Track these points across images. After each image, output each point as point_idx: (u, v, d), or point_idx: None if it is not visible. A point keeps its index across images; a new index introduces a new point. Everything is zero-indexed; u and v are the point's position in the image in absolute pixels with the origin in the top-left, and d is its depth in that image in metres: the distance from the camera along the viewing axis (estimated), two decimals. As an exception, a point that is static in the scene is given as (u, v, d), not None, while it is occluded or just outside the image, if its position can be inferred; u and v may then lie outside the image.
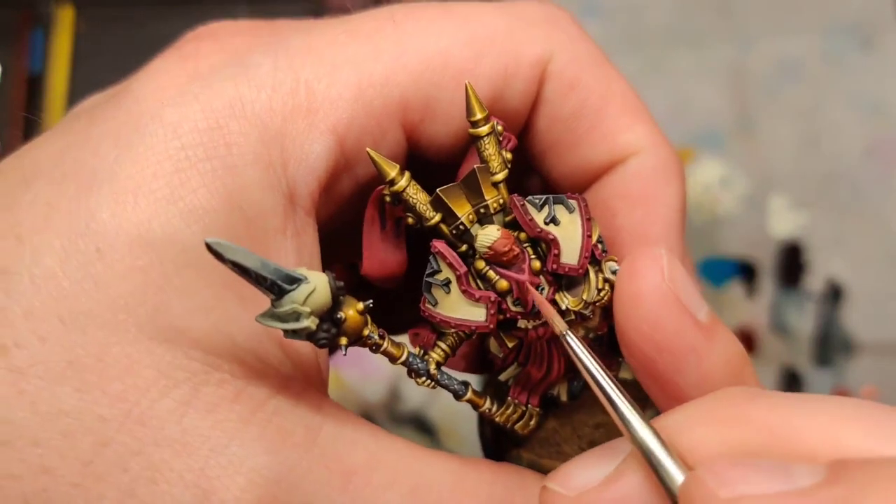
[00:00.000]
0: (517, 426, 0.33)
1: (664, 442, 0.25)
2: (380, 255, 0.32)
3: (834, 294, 0.67)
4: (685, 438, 0.25)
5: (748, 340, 0.66)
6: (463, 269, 0.29)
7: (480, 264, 0.29)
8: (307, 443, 0.29)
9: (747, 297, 0.67)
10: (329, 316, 0.28)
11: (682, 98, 0.71)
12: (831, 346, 0.66)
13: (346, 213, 0.33)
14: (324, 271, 0.27)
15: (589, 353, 0.27)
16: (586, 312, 0.30)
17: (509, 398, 0.33)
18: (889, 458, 0.22)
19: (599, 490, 0.26)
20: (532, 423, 0.33)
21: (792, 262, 0.68)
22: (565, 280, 0.30)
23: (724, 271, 0.68)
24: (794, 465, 0.23)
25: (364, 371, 0.65)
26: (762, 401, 0.26)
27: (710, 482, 0.23)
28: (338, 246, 0.33)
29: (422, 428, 0.65)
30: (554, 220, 0.29)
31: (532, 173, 0.37)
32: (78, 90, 0.70)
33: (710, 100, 0.71)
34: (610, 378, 0.27)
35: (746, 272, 0.68)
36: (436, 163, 0.34)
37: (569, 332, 0.28)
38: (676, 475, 0.24)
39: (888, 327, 0.66)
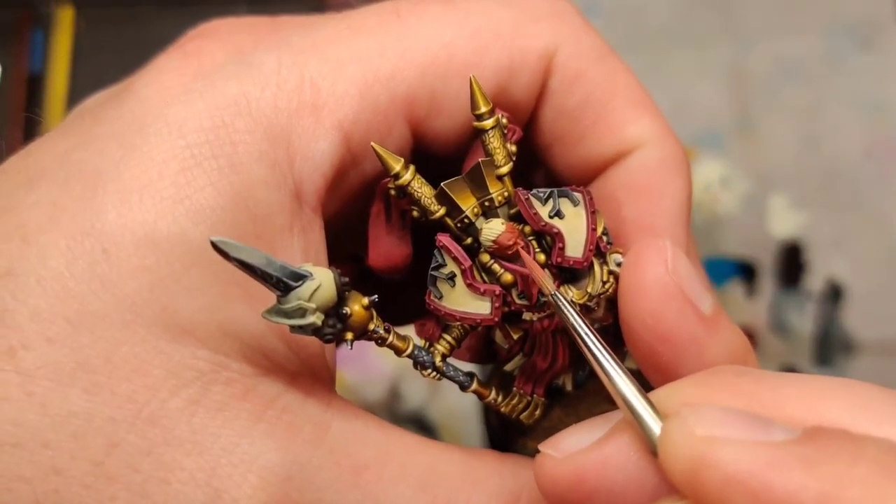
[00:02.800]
0: (522, 416, 0.33)
1: (647, 397, 0.26)
2: (385, 248, 0.32)
3: (834, 294, 0.67)
4: (673, 401, 0.25)
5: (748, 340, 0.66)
6: (467, 263, 0.29)
7: (485, 257, 0.30)
8: (317, 439, 0.29)
9: (747, 297, 0.67)
10: (334, 311, 0.28)
11: (682, 98, 0.71)
12: (831, 346, 0.66)
13: (353, 208, 0.33)
14: (329, 267, 0.27)
15: (578, 314, 0.28)
16: (591, 305, 0.30)
17: (515, 388, 0.33)
18: (864, 435, 0.23)
19: (586, 452, 0.26)
20: (537, 412, 0.33)
21: (792, 262, 0.68)
22: (570, 273, 0.30)
23: (724, 271, 0.68)
24: (774, 422, 0.24)
25: (365, 371, 0.65)
26: (751, 375, 0.26)
27: (690, 419, 0.24)
28: (345, 240, 0.33)
29: (422, 427, 0.65)
30: (558, 214, 0.30)
31: (538, 165, 0.37)
32: (78, 90, 0.70)
33: (710, 100, 0.71)
34: (597, 338, 0.27)
35: (746, 272, 0.68)
36: (441, 156, 0.34)
37: (558, 294, 0.28)
38: (656, 425, 0.25)
39: (888, 327, 0.66)
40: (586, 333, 0.27)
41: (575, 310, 0.28)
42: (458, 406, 0.64)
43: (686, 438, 0.23)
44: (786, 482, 0.21)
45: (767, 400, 0.25)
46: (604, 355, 0.27)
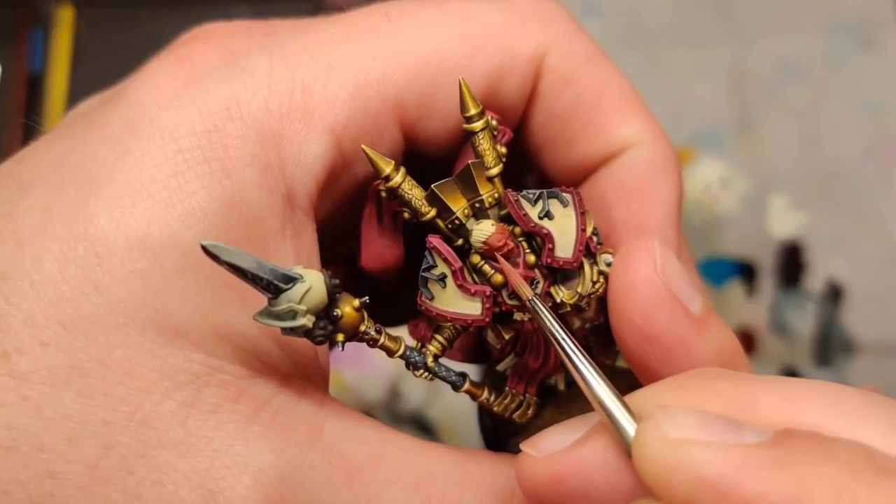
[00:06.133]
0: (515, 415, 0.33)
1: (621, 398, 0.26)
2: (377, 249, 0.33)
3: (834, 294, 0.66)
4: (650, 403, 0.26)
5: (748, 340, 0.66)
6: (458, 264, 0.29)
7: (476, 258, 0.30)
8: (310, 440, 0.29)
9: (747, 297, 0.67)
10: (325, 313, 0.28)
11: (682, 98, 0.71)
12: (831, 346, 0.66)
13: (345, 210, 0.33)
14: (321, 269, 0.28)
15: (555, 318, 0.28)
16: (581, 304, 0.31)
17: (507, 388, 0.33)
18: (833, 437, 0.23)
19: (565, 452, 0.26)
20: (530, 412, 0.33)
21: (792, 262, 0.67)
22: (560, 273, 0.31)
23: (724, 271, 0.68)
24: (746, 425, 0.24)
25: (364, 371, 0.65)
26: (728, 377, 0.26)
27: (663, 422, 0.24)
28: (337, 242, 0.33)
29: (421, 427, 0.65)
30: (548, 215, 0.30)
31: (528, 167, 0.37)
32: (78, 90, 0.70)
33: (710, 100, 0.71)
34: (573, 342, 0.27)
35: (746, 272, 0.68)
36: (433, 158, 0.34)
37: (535, 298, 0.29)
38: (631, 428, 0.25)
39: (888, 327, 0.65)
40: (563, 338, 0.27)
41: (552, 315, 0.28)
42: (458, 406, 0.64)
43: (658, 441, 0.23)
44: (754, 484, 0.22)
45: (742, 402, 0.25)
46: (580, 359, 0.27)
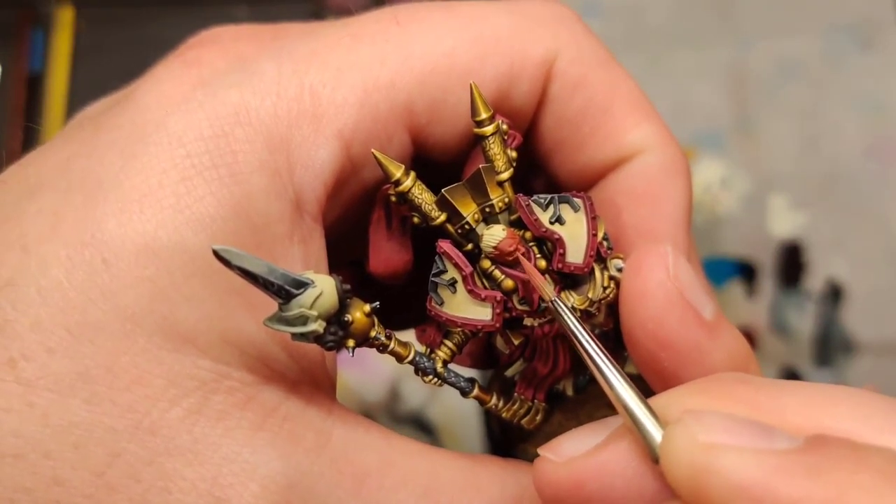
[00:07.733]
0: (524, 421, 0.33)
1: (647, 403, 0.26)
2: (386, 254, 0.33)
3: (834, 294, 0.67)
4: (673, 408, 0.25)
5: (748, 340, 0.66)
6: (468, 269, 0.29)
7: (486, 263, 0.30)
8: (319, 447, 0.29)
9: (747, 297, 0.67)
10: (336, 319, 0.28)
11: (682, 98, 0.71)
12: (831, 346, 0.66)
13: (353, 215, 0.33)
14: (330, 274, 0.27)
15: (577, 320, 0.28)
16: (592, 310, 0.30)
17: (515, 394, 0.33)
18: (866, 444, 0.23)
19: (586, 457, 0.26)
20: (538, 417, 0.33)
21: (792, 262, 0.68)
22: (570, 278, 0.30)
23: (724, 271, 0.68)
24: (777, 430, 0.24)
25: (364, 372, 0.65)
26: (752, 382, 0.26)
27: (693, 426, 0.24)
28: (345, 247, 0.33)
29: (421, 428, 0.65)
30: (559, 220, 0.30)
31: (538, 171, 0.37)
32: (78, 90, 0.70)
33: (710, 100, 0.71)
34: (597, 344, 0.27)
35: (746, 272, 0.68)
36: (442, 162, 0.34)
37: (557, 300, 0.28)
38: (656, 432, 0.25)
39: (888, 327, 0.66)
40: (586, 340, 0.27)
41: (575, 316, 0.28)
42: (458, 407, 0.64)
43: (689, 445, 0.23)
44: (790, 490, 0.22)
45: (768, 407, 0.25)
46: (604, 362, 0.27)
